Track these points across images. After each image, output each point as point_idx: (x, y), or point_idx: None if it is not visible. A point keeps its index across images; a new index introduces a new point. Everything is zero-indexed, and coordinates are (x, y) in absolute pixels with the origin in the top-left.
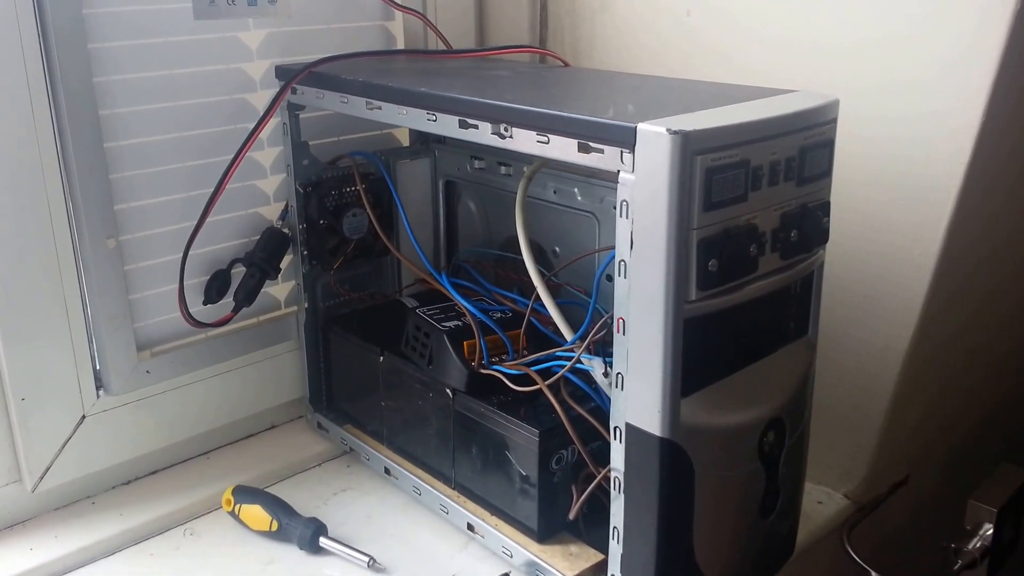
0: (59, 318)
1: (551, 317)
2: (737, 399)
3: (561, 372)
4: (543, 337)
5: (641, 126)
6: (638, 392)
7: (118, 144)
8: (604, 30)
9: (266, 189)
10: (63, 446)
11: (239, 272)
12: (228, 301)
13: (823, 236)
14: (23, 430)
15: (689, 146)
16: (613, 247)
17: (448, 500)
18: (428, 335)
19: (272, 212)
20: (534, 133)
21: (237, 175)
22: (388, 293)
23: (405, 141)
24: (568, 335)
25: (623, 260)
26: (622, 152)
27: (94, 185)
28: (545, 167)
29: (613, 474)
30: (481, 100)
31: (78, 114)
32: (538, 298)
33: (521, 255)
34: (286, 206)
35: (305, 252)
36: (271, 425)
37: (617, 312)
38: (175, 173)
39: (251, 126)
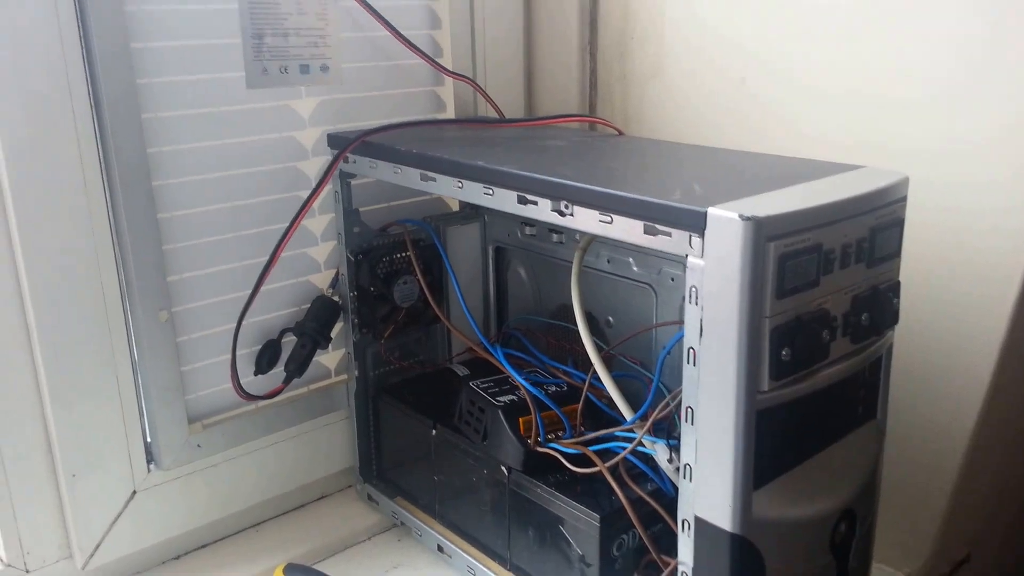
0: (111, 392)
1: (608, 393)
2: (808, 490)
3: (622, 455)
4: (600, 413)
5: (712, 210)
6: (708, 485)
7: (171, 215)
8: (656, 97)
9: (317, 257)
10: (114, 522)
11: (289, 341)
12: (279, 371)
13: (894, 317)
14: (74, 506)
15: (762, 232)
16: (672, 322)
17: None
18: (483, 410)
19: (323, 280)
20: (596, 212)
21: (288, 243)
22: (439, 361)
23: (454, 206)
24: (628, 414)
25: (692, 348)
26: (691, 236)
27: (147, 257)
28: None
29: (681, 568)
30: (541, 177)
31: (131, 185)
32: (595, 372)
33: (574, 324)
34: (337, 274)
35: (356, 320)
36: (320, 495)
37: (686, 401)
38: (227, 243)
39: (303, 194)
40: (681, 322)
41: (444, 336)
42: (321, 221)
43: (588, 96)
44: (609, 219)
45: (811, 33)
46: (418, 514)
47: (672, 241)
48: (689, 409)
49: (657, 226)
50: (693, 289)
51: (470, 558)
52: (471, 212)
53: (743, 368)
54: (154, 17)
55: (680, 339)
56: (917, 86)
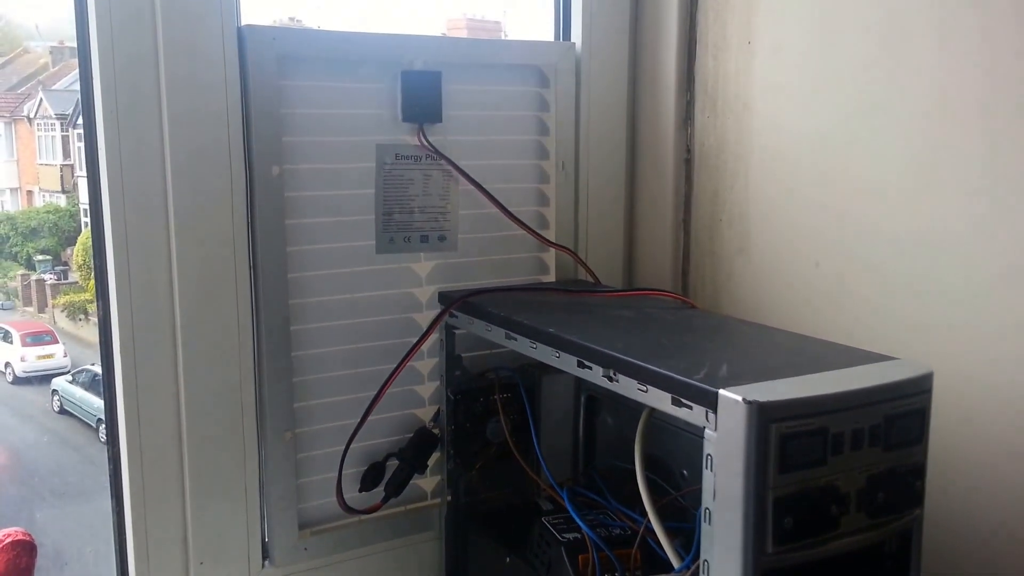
0: (239, 495)
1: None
2: None
3: None
4: (658, 559)
5: (722, 392)
6: None
7: (304, 353)
8: (741, 273)
9: (422, 394)
10: None
11: (392, 464)
12: (380, 490)
13: (915, 499)
14: None
15: (765, 415)
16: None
17: None
18: (549, 544)
19: (425, 414)
20: (635, 382)
21: (398, 380)
22: (528, 494)
23: None
24: (675, 561)
25: (708, 508)
26: (707, 412)
27: (280, 388)
28: None
29: None
30: (593, 347)
31: (273, 332)
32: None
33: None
34: (438, 411)
35: (451, 451)
36: None
37: (703, 555)
38: (347, 378)
39: (414, 341)
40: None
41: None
42: (428, 364)
43: (681, 268)
44: (645, 388)
45: (881, 215)
46: None
47: (693, 414)
48: (705, 562)
49: (681, 399)
50: (709, 457)
51: None
52: None
53: (749, 531)
54: (307, 201)
55: None
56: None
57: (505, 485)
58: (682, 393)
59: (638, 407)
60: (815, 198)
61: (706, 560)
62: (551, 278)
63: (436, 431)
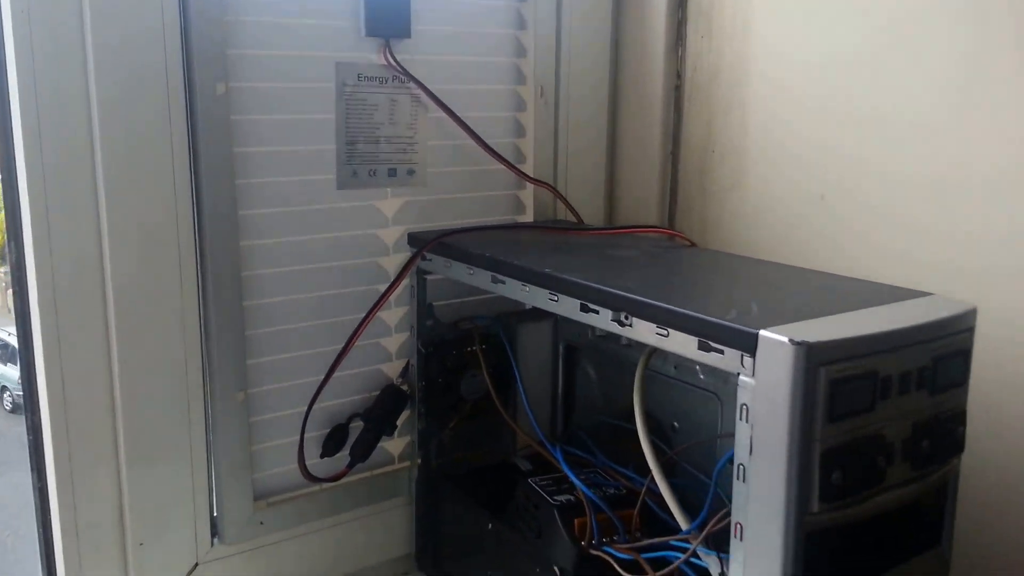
0: (183, 464)
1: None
2: None
3: (674, 565)
4: (658, 520)
5: (763, 333)
6: None
7: (256, 303)
8: (734, 209)
9: (389, 347)
10: None
11: (356, 426)
12: (344, 455)
13: (957, 446)
14: (138, 574)
15: (813, 358)
16: (726, 434)
17: None
18: (538, 507)
19: (393, 369)
20: (654, 325)
21: (363, 333)
22: (503, 454)
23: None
24: (683, 523)
25: (742, 464)
26: (743, 356)
27: (230, 341)
28: None
29: None
30: (602, 287)
31: (222, 276)
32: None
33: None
34: (407, 364)
35: (422, 410)
36: None
37: (735, 516)
38: (306, 331)
39: (381, 288)
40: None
41: (509, 430)
42: (396, 313)
43: (668, 207)
44: (665, 332)
45: (893, 151)
46: None
47: (724, 359)
48: (738, 525)
49: (711, 343)
50: (744, 407)
51: None
52: (543, 311)
53: (792, 490)
54: (257, 126)
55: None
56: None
57: (479, 445)
58: (713, 336)
59: (623, 357)
60: (821, 131)
61: (739, 523)
62: (528, 218)
63: (405, 388)
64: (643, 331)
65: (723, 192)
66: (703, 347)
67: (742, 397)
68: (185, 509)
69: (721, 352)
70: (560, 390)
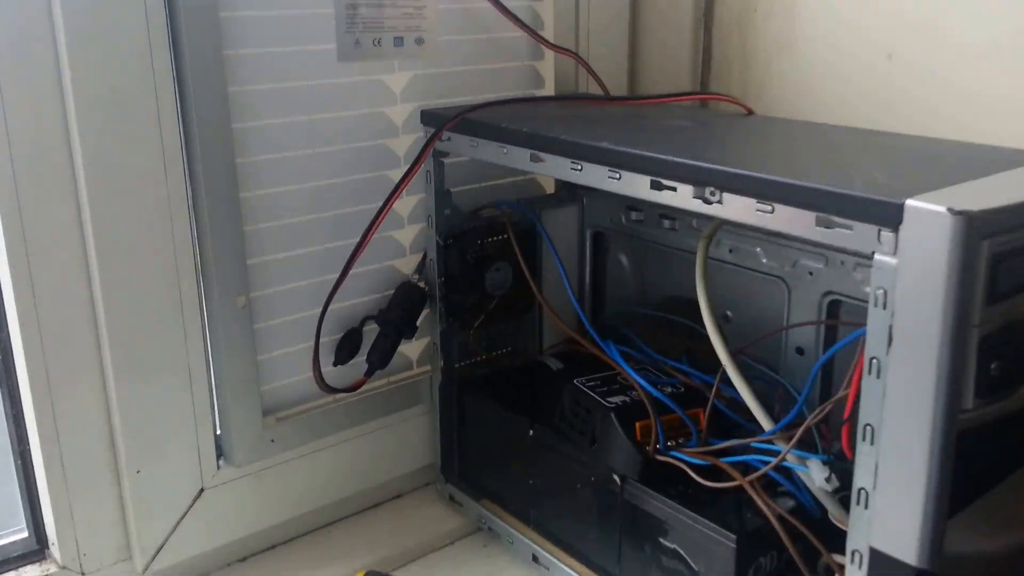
0: (181, 381)
1: (738, 398)
2: (1005, 517)
3: (765, 469)
4: (724, 421)
5: (911, 203)
6: (890, 513)
7: (253, 194)
8: (782, 73)
9: (402, 240)
10: (179, 521)
11: (371, 330)
12: (358, 362)
13: None
14: (136, 504)
15: (975, 229)
16: (807, 322)
17: None
18: (590, 411)
19: (407, 265)
20: (753, 201)
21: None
22: (529, 354)
23: (548, 187)
24: (766, 423)
25: (876, 358)
26: (880, 231)
27: (226, 238)
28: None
29: None
30: (685, 161)
31: (213, 161)
32: (723, 376)
33: (686, 318)
34: (423, 259)
35: (443, 309)
36: (397, 494)
37: (864, 418)
38: (310, 225)
39: (390, 173)
40: (824, 322)
41: (536, 327)
42: (408, 202)
43: (700, 73)
44: (769, 208)
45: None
46: (508, 519)
47: (852, 235)
48: (868, 427)
49: (834, 218)
50: (880, 292)
51: (573, 573)
52: (567, 195)
53: (943, 384)
54: None
55: (846, 345)
56: None
57: (505, 346)
58: (839, 210)
59: (665, 241)
60: None
61: (868, 424)
62: (547, 92)
63: (423, 285)
64: (737, 208)
65: (768, 54)
66: (823, 223)
67: (878, 280)
68: (185, 429)
69: (848, 228)
70: (587, 282)
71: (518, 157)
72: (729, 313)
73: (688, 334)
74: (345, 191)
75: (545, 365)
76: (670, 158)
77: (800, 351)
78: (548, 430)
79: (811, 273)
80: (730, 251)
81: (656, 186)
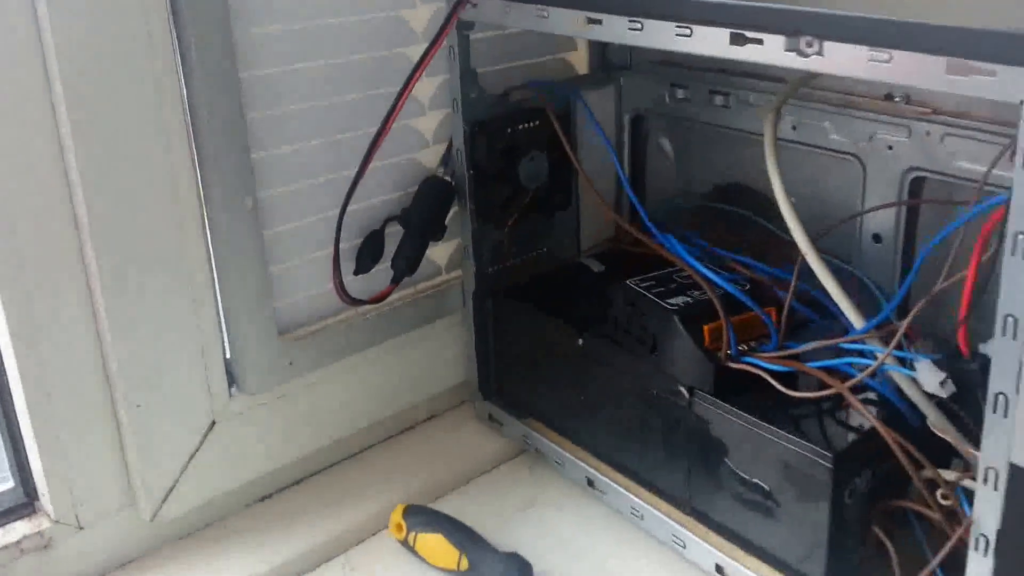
0: (182, 301)
1: (813, 294)
2: None
3: (864, 374)
4: (803, 321)
5: None
6: None
7: (253, 74)
8: None
9: (423, 129)
10: (188, 462)
11: (395, 233)
12: (382, 268)
13: None
14: (139, 445)
15: None
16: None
17: (684, 531)
18: (648, 315)
19: (431, 157)
20: (864, 48)
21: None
22: (566, 255)
23: (581, 68)
24: (856, 320)
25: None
26: None
27: (227, 131)
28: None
29: (977, 531)
30: (769, 5)
31: (207, 35)
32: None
33: (742, 207)
34: (449, 149)
35: (473, 206)
36: (429, 416)
37: (1004, 308)
38: (321, 112)
39: (406, 51)
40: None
41: (574, 225)
42: (428, 85)
43: None
44: (886, 56)
45: None
46: (557, 439)
47: (994, 83)
48: (1011, 319)
49: (972, 63)
50: None
51: (634, 498)
52: (603, 76)
53: None
54: None
55: (955, 229)
56: None
57: (537, 246)
58: (978, 52)
59: (712, 121)
60: None
61: (1010, 315)
62: None
63: (448, 179)
64: (842, 60)
65: None
66: (956, 70)
67: None
68: (190, 354)
69: (991, 75)
70: (626, 172)
71: (564, 21)
72: (792, 199)
73: (743, 225)
74: (359, 72)
75: (586, 267)
76: (754, 3)
77: (877, 238)
78: (600, 339)
79: (890, 147)
80: (793, 128)
81: (737, 40)
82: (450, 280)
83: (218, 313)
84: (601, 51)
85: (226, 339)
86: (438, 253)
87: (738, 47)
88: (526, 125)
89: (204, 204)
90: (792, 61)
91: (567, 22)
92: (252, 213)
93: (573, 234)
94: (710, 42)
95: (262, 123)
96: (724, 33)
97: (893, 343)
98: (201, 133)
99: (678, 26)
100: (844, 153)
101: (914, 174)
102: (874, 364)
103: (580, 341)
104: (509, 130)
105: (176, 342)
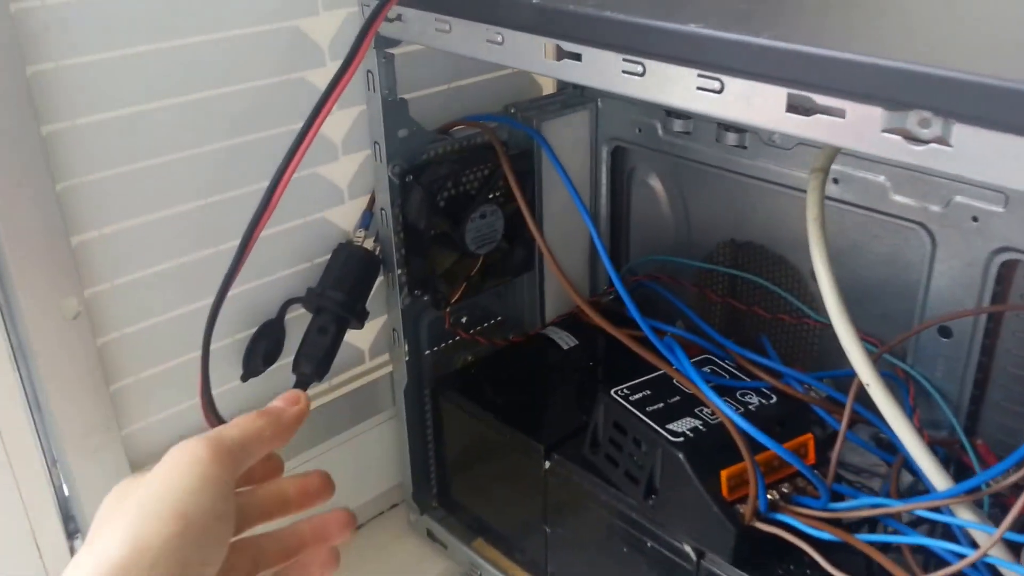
0: None
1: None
2: None
3: (958, 566)
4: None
5: None
6: None
7: (61, 127)
8: None
9: (337, 179)
10: None
11: (296, 319)
12: (283, 364)
13: None
14: None
15: None
16: (976, 311)
17: None
18: (641, 445)
19: (346, 218)
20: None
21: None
22: (527, 325)
23: (547, 84)
24: (940, 481)
25: None
26: None
27: (32, 205)
28: None
29: None
30: (857, 58)
31: None
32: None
33: (754, 275)
34: (370, 204)
35: (404, 279)
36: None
37: None
38: (174, 169)
39: (311, 75)
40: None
41: (536, 286)
42: (341, 120)
43: None
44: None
45: None
46: (517, 573)
47: None
48: None
49: None
50: None
51: None
52: (575, 94)
53: None
54: None
55: None
56: None
57: (490, 316)
58: None
59: (720, 165)
60: None
61: None
62: None
63: (371, 246)
64: (973, 150)
65: None
66: None
67: None
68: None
69: None
70: (604, 215)
71: (526, 51)
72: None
73: (757, 298)
74: (238, 107)
75: (552, 342)
76: (828, 52)
77: (946, 332)
78: (573, 464)
79: (975, 218)
80: (835, 181)
81: (799, 108)
82: (376, 368)
83: (45, 457)
84: None
85: (64, 487)
86: (359, 336)
87: (800, 116)
88: (474, 171)
89: (8, 316)
90: (895, 148)
91: (531, 55)
92: (80, 319)
93: (536, 298)
94: (757, 107)
95: (83, 190)
96: (778, 94)
97: (1006, 525)
98: None
99: (702, 74)
100: (905, 220)
101: (1006, 256)
102: (974, 554)
103: (547, 464)
104: (451, 180)
105: None
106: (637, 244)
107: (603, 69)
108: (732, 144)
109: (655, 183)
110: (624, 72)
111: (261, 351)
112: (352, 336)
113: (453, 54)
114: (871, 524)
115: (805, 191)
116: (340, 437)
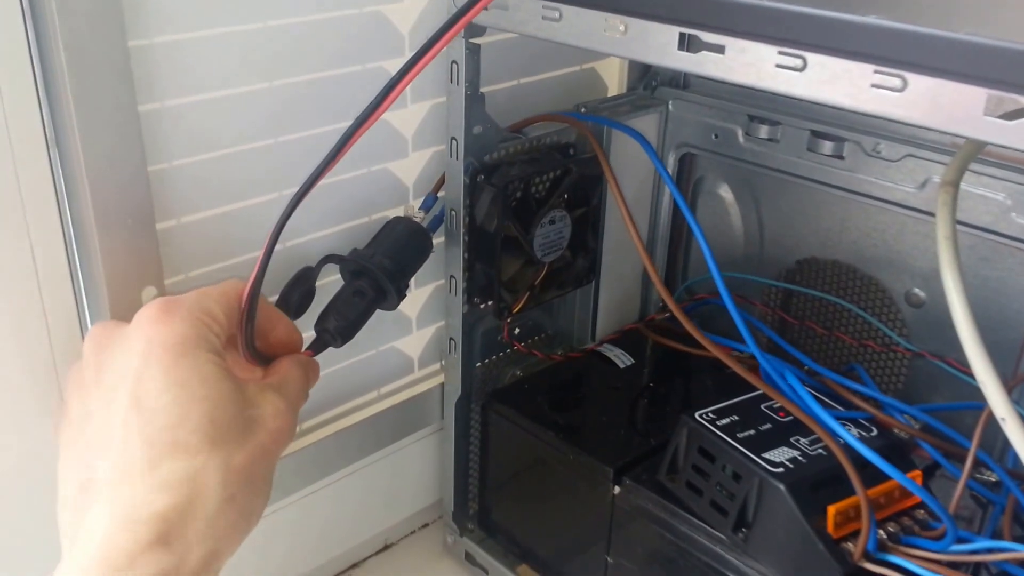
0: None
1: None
2: None
3: None
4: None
5: None
6: None
7: (162, 106)
8: None
9: (404, 177)
10: None
11: (329, 282)
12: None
13: None
14: None
15: None
16: None
17: None
18: (733, 475)
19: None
20: None
21: (355, 148)
22: (577, 342)
23: (611, 84)
24: None
25: None
26: None
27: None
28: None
29: None
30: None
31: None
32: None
33: (840, 299)
34: (436, 188)
35: (466, 283)
36: (384, 546)
37: None
38: (259, 159)
39: (388, 64)
40: None
41: (588, 303)
42: (413, 114)
43: None
44: None
45: None
46: None
47: None
48: None
49: None
50: None
51: None
52: (645, 95)
53: None
54: None
55: None
56: None
57: (543, 329)
58: None
59: (807, 176)
60: None
61: None
62: None
63: (419, 220)
64: None
65: None
66: None
67: None
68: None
69: None
70: (666, 230)
71: (654, 42)
72: (919, 292)
73: (845, 322)
74: (310, 97)
75: (609, 360)
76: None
77: None
78: (648, 490)
79: None
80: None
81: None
82: (424, 378)
83: None
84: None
85: None
86: (410, 344)
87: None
88: (546, 173)
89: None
90: None
91: (653, 44)
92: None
93: (588, 313)
94: (948, 109)
95: (173, 175)
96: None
97: None
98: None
99: (878, 68)
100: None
101: None
102: None
103: (616, 489)
104: (522, 181)
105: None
106: (699, 259)
107: (752, 63)
108: (827, 154)
109: (726, 194)
110: (779, 66)
111: (295, 299)
112: (402, 344)
113: (539, 47)
114: (983, 570)
115: (909, 207)
116: (382, 452)
